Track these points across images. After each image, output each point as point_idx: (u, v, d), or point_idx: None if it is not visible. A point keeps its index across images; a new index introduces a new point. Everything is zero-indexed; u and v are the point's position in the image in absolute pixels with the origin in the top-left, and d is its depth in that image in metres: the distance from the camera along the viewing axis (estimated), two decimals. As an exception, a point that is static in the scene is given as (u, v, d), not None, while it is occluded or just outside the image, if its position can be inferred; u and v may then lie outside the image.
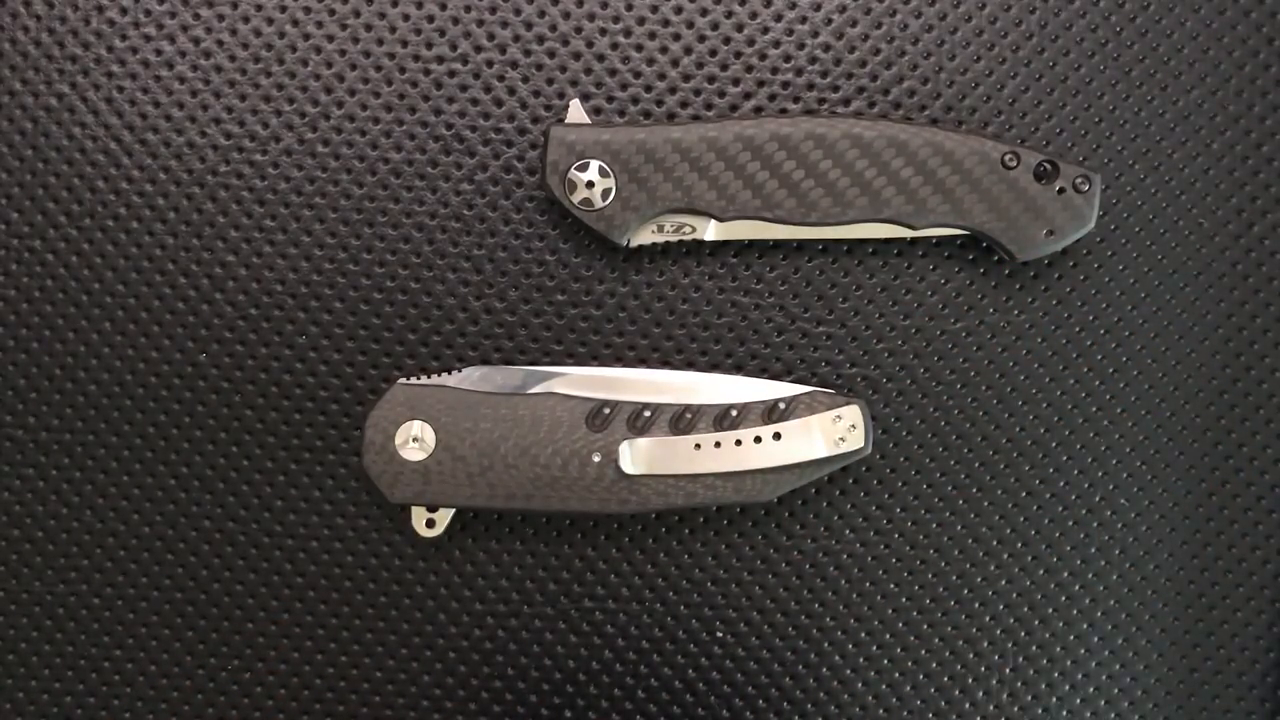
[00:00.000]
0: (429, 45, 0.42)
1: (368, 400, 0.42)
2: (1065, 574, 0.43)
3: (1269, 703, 0.43)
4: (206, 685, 0.43)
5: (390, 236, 0.42)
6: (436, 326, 0.42)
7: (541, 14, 0.42)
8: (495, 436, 0.40)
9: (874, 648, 0.43)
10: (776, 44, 0.42)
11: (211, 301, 0.42)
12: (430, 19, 0.42)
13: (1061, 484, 0.43)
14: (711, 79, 0.42)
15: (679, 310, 0.42)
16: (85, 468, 0.43)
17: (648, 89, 0.42)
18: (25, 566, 0.43)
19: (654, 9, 0.42)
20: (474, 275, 0.42)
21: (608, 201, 0.40)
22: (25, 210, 0.42)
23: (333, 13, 0.42)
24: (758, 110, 0.42)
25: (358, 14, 0.42)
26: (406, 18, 0.42)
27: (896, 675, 0.43)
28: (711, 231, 0.41)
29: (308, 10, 0.42)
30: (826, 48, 0.42)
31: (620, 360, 0.42)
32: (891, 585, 0.43)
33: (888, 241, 0.42)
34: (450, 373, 0.41)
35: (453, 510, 0.41)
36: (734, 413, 0.40)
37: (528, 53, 0.42)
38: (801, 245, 0.42)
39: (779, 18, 0.42)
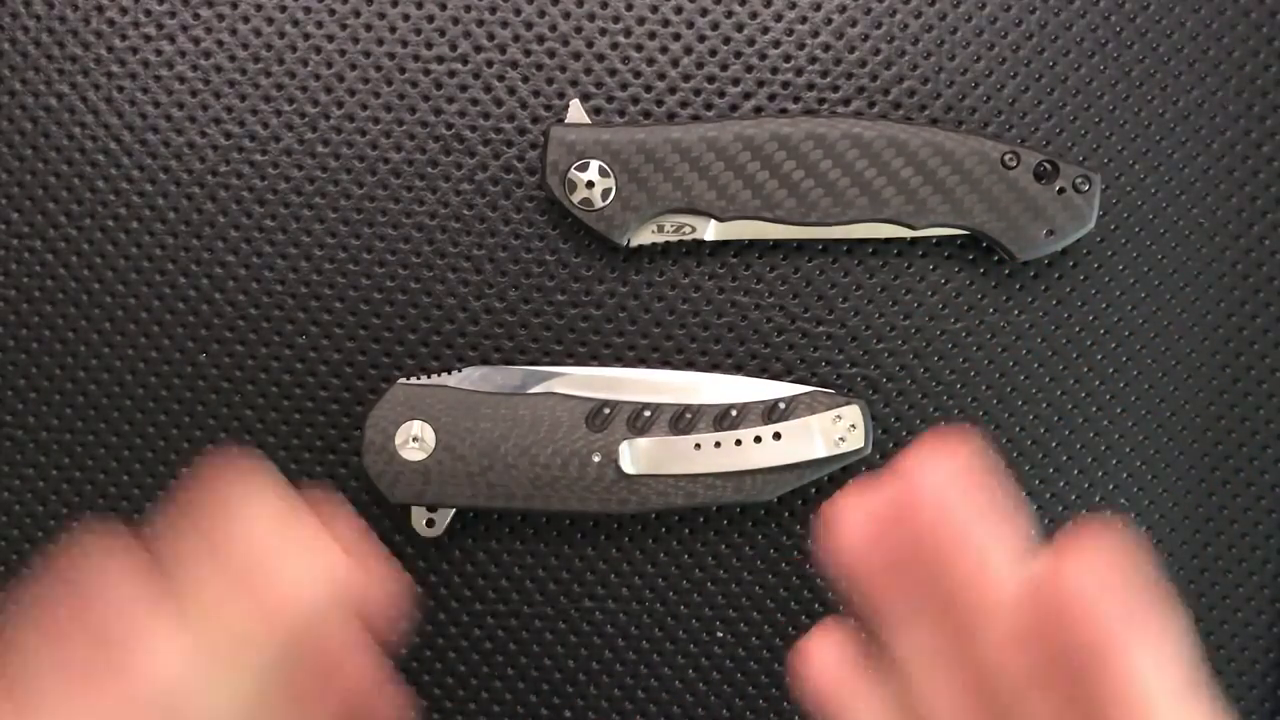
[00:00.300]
0: (429, 45, 0.42)
1: (368, 400, 0.42)
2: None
3: (1269, 703, 0.43)
4: (206, 685, 0.43)
5: (390, 236, 0.42)
6: (436, 326, 0.42)
7: (541, 14, 0.42)
8: (495, 436, 0.40)
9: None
10: (776, 44, 0.42)
11: (211, 301, 0.42)
12: (430, 19, 0.42)
13: (1061, 484, 0.43)
14: (711, 79, 0.42)
15: (679, 310, 0.42)
16: (85, 467, 0.43)
17: (648, 89, 0.42)
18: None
19: (654, 9, 0.42)
20: (474, 275, 0.42)
21: (608, 201, 0.40)
22: (25, 210, 0.42)
23: (333, 13, 0.42)
24: (758, 110, 0.42)
25: (358, 14, 0.42)
26: (406, 18, 0.42)
27: (896, 675, 0.43)
28: (711, 231, 0.41)
29: (308, 10, 0.42)
30: (826, 48, 0.42)
31: (620, 360, 0.42)
32: (891, 585, 0.43)
33: (888, 241, 0.42)
34: (450, 373, 0.41)
35: (453, 510, 0.41)
36: (734, 413, 0.40)
37: (528, 53, 0.42)
38: (801, 245, 0.42)
39: (779, 18, 0.42)
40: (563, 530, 0.43)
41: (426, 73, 0.42)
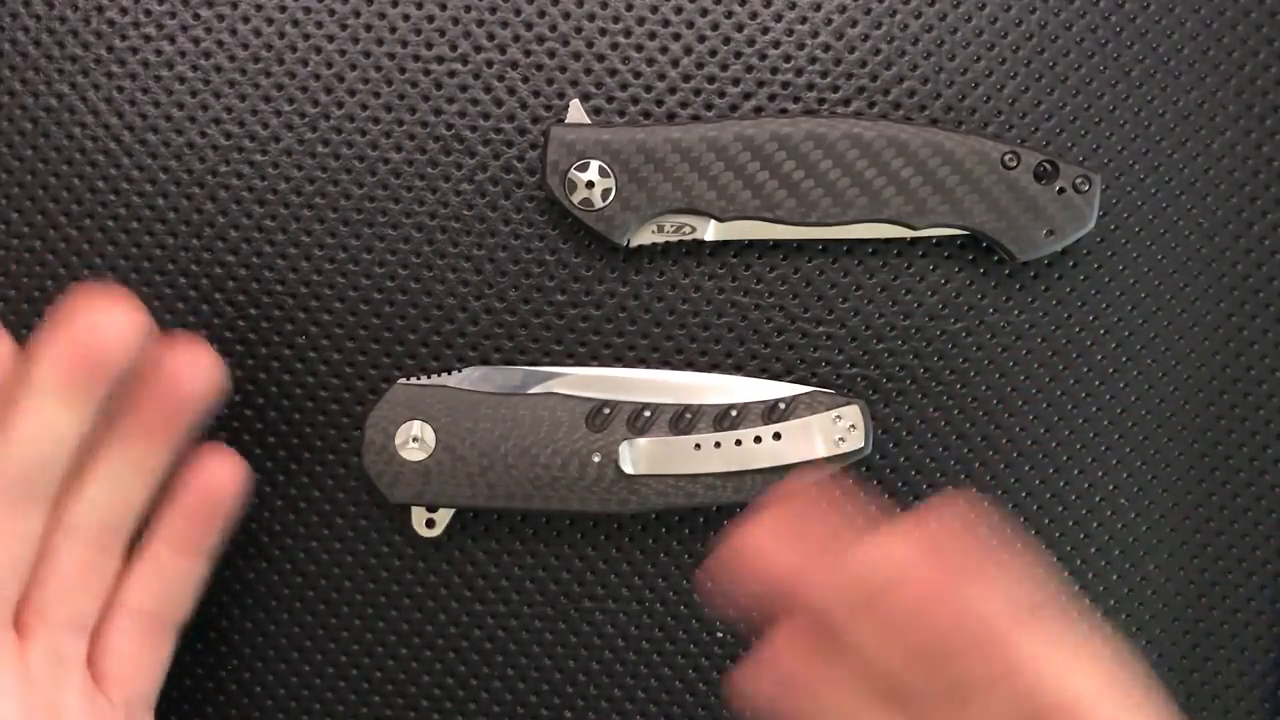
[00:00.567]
0: (429, 45, 0.42)
1: (368, 400, 0.42)
2: (1065, 574, 0.43)
3: (1269, 703, 0.43)
4: (206, 685, 0.43)
5: (390, 236, 0.42)
6: (436, 326, 0.42)
7: (541, 14, 0.42)
8: (495, 436, 0.40)
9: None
10: (776, 44, 0.42)
11: (211, 301, 0.42)
12: (430, 19, 0.42)
13: (1061, 484, 0.43)
14: (711, 79, 0.42)
15: (679, 310, 0.42)
16: (85, 468, 0.43)
17: (648, 89, 0.42)
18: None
19: (654, 9, 0.42)
20: (474, 275, 0.42)
21: (608, 201, 0.40)
22: (25, 210, 0.42)
23: (333, 13, 0.42)
24: (758, 110, 0.42)
25: (358, 14, 0.42)
26: (406, 18, 0.42)
27: (896, 675, 0.43)
28: (711, 231, 0.41)
29: (308, 10, 0.42)
30: (826, 48, 0.42)
31: (620, 360, 0.42)
32: (891, 585, 0.43)
33: (888, 241, 0.42)
34: (450, 373, 0.41)
35: (453, 510, 0.41)
36: (734, 413, 0.40)
37: (528, 53, 0.42)
38: (801, 245, 0.42)
39: (779, 18, 0.42)
40: (563, 530, 0.43)
41: (426, 73, 0.42)
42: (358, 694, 0.43)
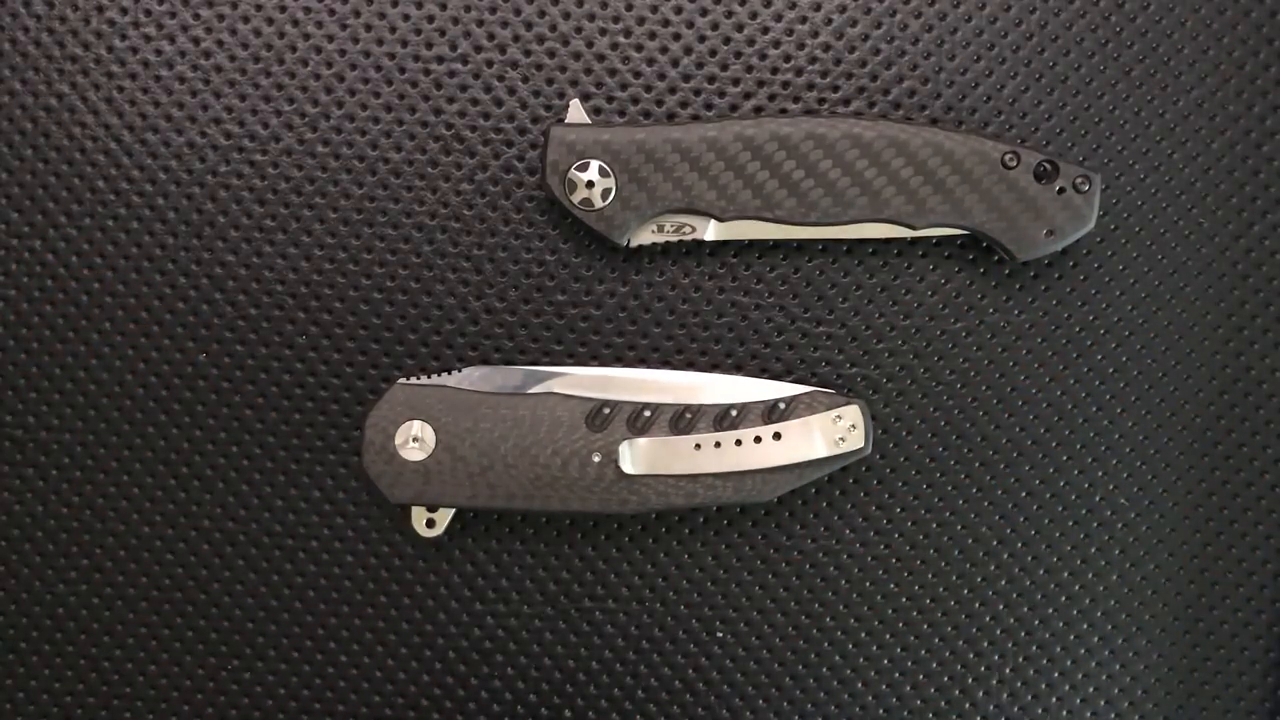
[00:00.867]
0: (429, 45, 0.42)
1: (368, 400, 0.42)
2: (1065, 574, 0.43)
3: (1269, 703, 0.43)
4: (206, 685, 0.43)
5: (390, 236, 0.42)
6: (436, 326, 0.42)
7: (541, 14, 0.42)
8: (495, 436, 0.40)
9: (874, 648, 0.43)
10: (776, 44, 0.42)
11: (211, 301, 0.42)
12: (430, 19, 0.42)
13: (1061, 484, 0.43)
14: (711, 79, 0.42)
15: (679, 310, 0.42)
16: (85, 468, 0.43)
17: (648, 89, 0.42)
18: (25, 566, 0.43)
19: (654, 9, 0.42)
20: (474, 275, 0.42)
21: (608, 201, 0.40)
22: (25, 210, 0.42)
23: (333, 13, 0.42)
24: (758, 110, 0.42)
25: (358, 14, 0.42)
26: (406, 18, 0.42)
27: (896, 675, 0.43)
28: (711, 231, 0.41)
29: (308, 10, 0.42)
30: (826, 48, 0.42)
31: (620, 360, 0.42)
32: (891, 585, 0.43)
33: (888, 241, 0.42)
34: (450, 373, 0.41)
35: (453, 510, 0.41)
36: (734, 413, 0.40)
37: (528, 53, 0.42)
38: (801, 245, 0.42)
39: (779, 18, 0.42)
40: (563, 530, 0.43)
41: (426, 73, 0.42)
42: (358, 694, 0.43)
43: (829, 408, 0.40)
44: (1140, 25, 0.42)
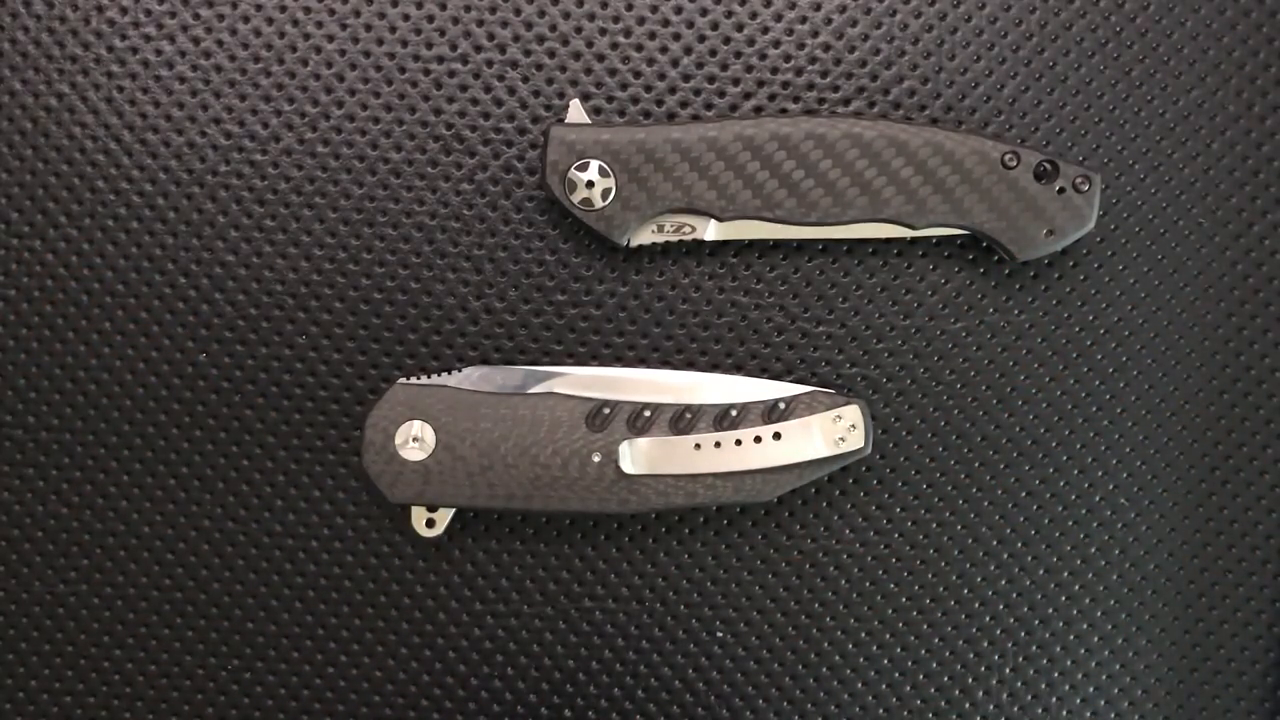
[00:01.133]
0: (429, 45, 0.42)
1: (368, 400, 0.42)
2: (1065, 574, 0.43)
3: (1269, 703, 0.43)
4: (206, 685, 0.43)
5: (390, 236, 0.42)
6: (436, 326, 0.42)
7: (541, 14, 0.42)
8: (495, 436, 0.40)
9: (874, 648, 0.43)
10: (776, 44, 0.42)
11: (211, 301, 0.42)
12: (430, 19, 0.42)
13: (1061, 484, 0.43)
14: (711, 79, 0.42)
15: (679, 310, 0.42)
16: (85, 468, 0.43)
17: (648, 89, 0.42)
18: (25, 566, 0.43)
19: (654, 9, 0.42)
20: (474, 275, 0.42)
21: (608, 201, 0.40)
22: (25, 210, 0.42)
23: (333, 13, 0.42)
24: (758, 110, 0.42)
25: (358, 14, 0.42)
26: (406, 18, 0.42)
27: (896, 675, 0.43)
28: (711, 231, 0.41)
29: (308, 10, 0.42)
30: (826, 48, 0.42)
31: (620, 360, 0.42)
32: (891, 585, 0.43)
33: (888, 241, 0.42)
34: (450, 373, 0.41)
35: (453, 510, 0.41)
36: (734, 413, 0.40)
37: (528, 53, 0.42)
38: (801, 245, 0.42)
39: (779, 18, 0.42)
40: (563, 530, 0.43)
41: (426, 73, 0.42)
42: (358, 694, 0.43)
43: (829, 408, 0.40)
44: (1140, 25, 0.42)
